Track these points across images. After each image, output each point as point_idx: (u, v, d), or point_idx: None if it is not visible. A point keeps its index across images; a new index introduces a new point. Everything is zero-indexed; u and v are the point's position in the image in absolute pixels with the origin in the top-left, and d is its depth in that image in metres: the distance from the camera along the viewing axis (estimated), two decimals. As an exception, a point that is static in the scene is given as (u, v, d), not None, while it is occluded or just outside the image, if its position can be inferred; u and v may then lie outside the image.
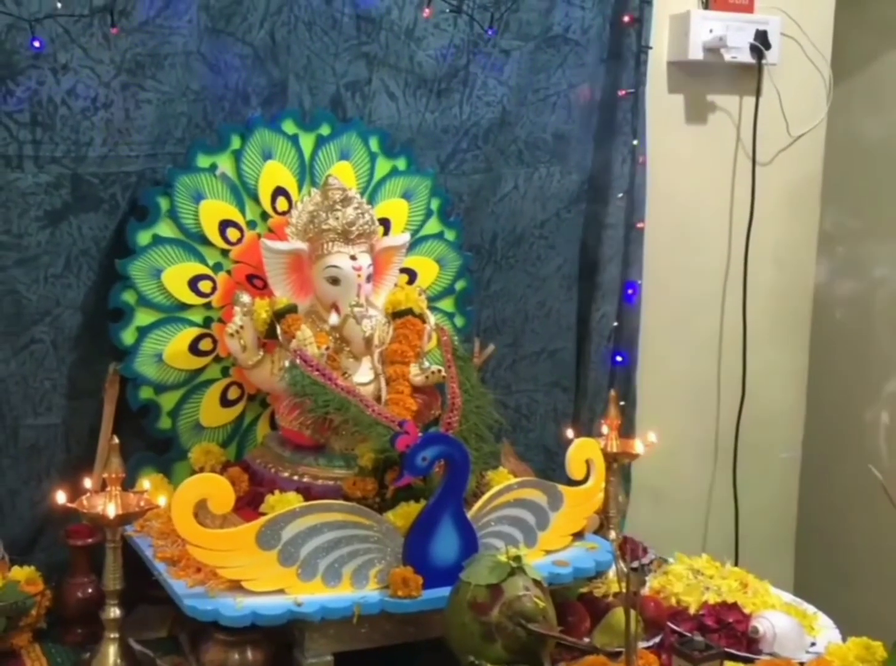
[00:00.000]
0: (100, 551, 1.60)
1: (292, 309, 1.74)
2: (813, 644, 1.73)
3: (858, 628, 1.67)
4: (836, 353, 2.61)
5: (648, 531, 2.09)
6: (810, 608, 1.82)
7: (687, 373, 2.46)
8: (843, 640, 1.69)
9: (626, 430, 2.14)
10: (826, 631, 1.75)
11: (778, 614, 1.71)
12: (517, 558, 1.49)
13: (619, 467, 1.94)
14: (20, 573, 1.68)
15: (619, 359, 2.29)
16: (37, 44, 1.69)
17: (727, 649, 1.66)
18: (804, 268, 2.63)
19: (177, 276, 1.80)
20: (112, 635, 1.55)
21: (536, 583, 1.49)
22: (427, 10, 1.96)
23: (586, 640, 1.72)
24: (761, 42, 2.36)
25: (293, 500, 1.58)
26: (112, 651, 1.55)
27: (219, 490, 1.51)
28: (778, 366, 2.60)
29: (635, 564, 1.91)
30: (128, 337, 1.79)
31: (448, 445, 1.57)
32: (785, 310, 2.60)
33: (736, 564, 1.93)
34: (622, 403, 2.06)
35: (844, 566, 2.58)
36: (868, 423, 2.56)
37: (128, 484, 1.61)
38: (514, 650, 1.44)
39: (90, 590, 1.69)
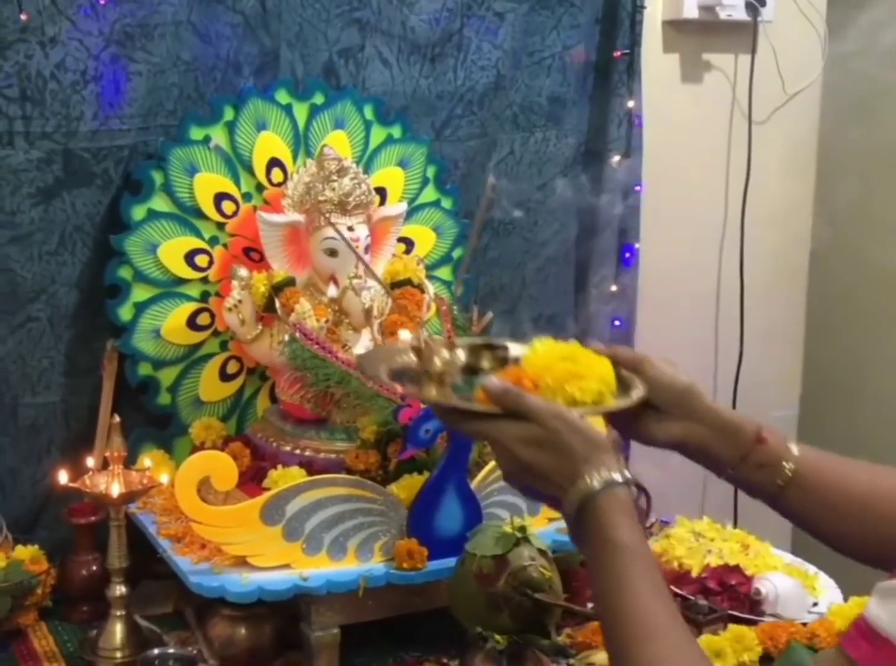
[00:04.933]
0: (103, 529, 1.61)
1: (290, 282, 1.72)
2: (815, 604, 1.74)
3: (858, 587, 1.69)
4: (833, 311, 2.62)
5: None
6: (811, 569, 1.83)
7: (685, 334, 2.46)
8: (845, 599, 1.70)
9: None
10: (828, 591, 1.76)
11: (780, 576, 1.72)
12: (522, 528, 1.49)
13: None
14: (24, 552, 1.67)
15: (616, 323, 2.28)
16: (24, 16, 1.66)
17: (731, 611, 1.67)
18: (801, 227, 2.62)
19: (173, 250, 1.78)
20: (118, 613, 1.55)
21: (542, 552, 1.49)
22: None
23: (590, 605, 1.73)
24: (757, -1, 2.34)
25: (296, 474, 1.58)
26: (119, 628, 1.55)
27: (222, 467, 1.51)
28: (775, 325, 2.60)
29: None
30: (125, 313, 1.77)
31: (450, 416, 1.56)
32: (782, 269, 2.60)
33: (735, 526, 1.93)
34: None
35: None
36: (865, 380, 2.56)
37: (129, 460, 1.61)
38: (520, 620, 1.45)
39: (94, 567, 1.69)
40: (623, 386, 1.07)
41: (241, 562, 1.51)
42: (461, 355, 1.07)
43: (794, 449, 1.09)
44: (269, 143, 1.83)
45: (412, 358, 1.06)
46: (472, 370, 1.08)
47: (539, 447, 0.95)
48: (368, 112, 1.92)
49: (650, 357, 1.10)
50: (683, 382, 1.10)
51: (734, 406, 2.51)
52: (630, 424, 1.10)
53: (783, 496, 1.09)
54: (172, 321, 1.80)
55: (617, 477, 0.93)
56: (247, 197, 1.83)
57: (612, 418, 1.09)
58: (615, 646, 0.90)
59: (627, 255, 2.28)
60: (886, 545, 1.07)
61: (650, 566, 0.92)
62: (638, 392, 1.06)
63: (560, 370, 1.02)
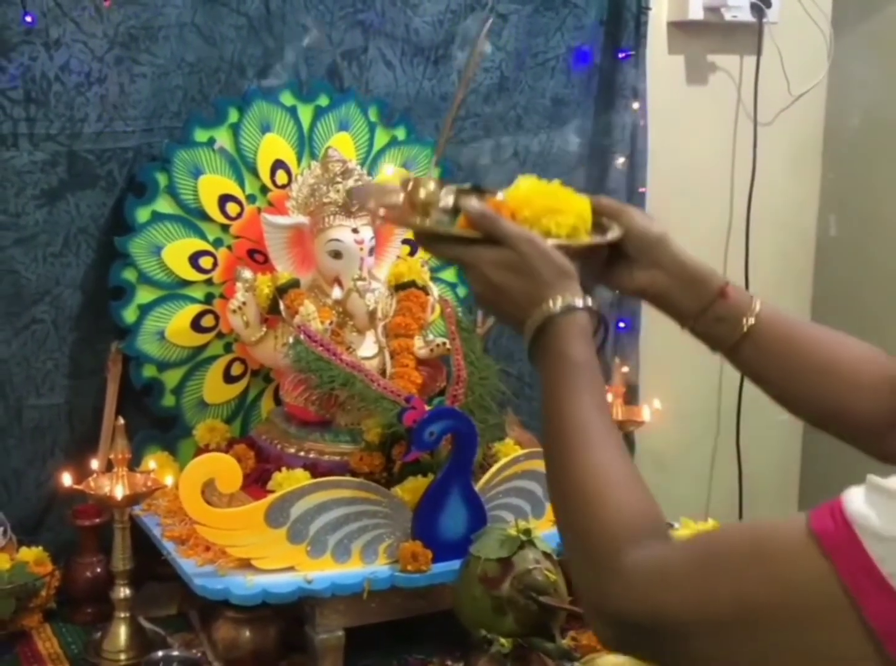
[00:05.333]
0: (107, 531, 1.61)
1: (294, 284, 1.72)
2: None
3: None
4: (839, 311, 2.61)
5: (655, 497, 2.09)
6: (817, 571, 1.82)
7: (690, 336, 2.45)
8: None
9: (631, 396, 2.13)
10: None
11: (785, 579, 1.71)
12: (527, 531, 1.49)
13: (624, 435, 1.94)
14: (28, 554, 1.67)
15: (622, 325, 2.28)
16: (28, 19, 1.66)
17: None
18: (806, 228, 2.62)
19: (177, 252, 1.78)
20: (122, 615, 1.56)
21: (546, 555, 1.49)
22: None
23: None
24: (762, 0, 2.33)
25: (300, 477, 1.57)
26: (123, 631, 1.55)
27: (227, 469, 1.51)
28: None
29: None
30: (129, 315, 1.77)
31: (455, 419, 1.56)
32: (787, 270, 2.59)
33: (741, 529, 1.93)
34: (625, 369, 2.05)
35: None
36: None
37: (133, 462, 1.61)
38: (525, 623, 1.45)
39: (99, 569, 1.69)
40: (601, 230, 1.10)
41: (246, 564, 1.50)
42: (449, 197, 1.09)
43: (758, 306, 1.11)
44: (274, 145, 1.83)
45: (400, 197, 1.10)
46: (458, 211, 1.09)
47: (509, 270, 0.99)
48: (372, 114, 1.92)
49: (629, 208, 1.14)
50: (656, 232, 1.12)
51: (739, 409, 2.51)
52: (602, 270, 1.13)
53: (737, 351, 1.12)
54: (177, 323, 1.80)
55: (578, 302, 0.97)
56: (251, 199, 1.83)
57: (586, 262, 1.10)
58: (552, 453, 0.94)
59: (632, 256, 2.26)
60: (832, 411, 1.12)
61: (596, 383, 0.96)
62: (613, 233, 1.10)
63: (538, 204, 1.06)
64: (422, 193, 1.07)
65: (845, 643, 0.75)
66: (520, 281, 0.99)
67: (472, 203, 1.03)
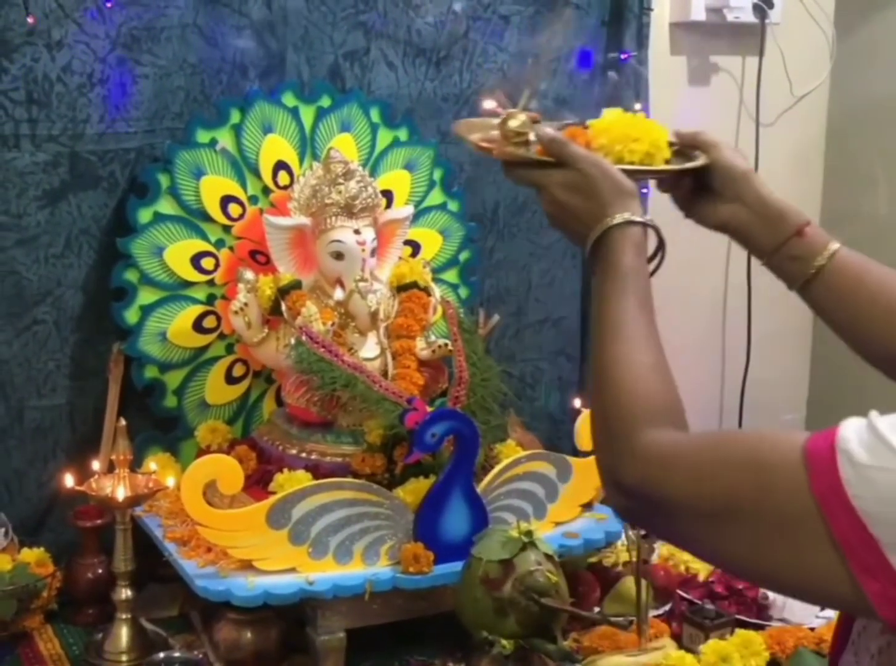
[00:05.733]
0: (109, 532, 1.61)
1: (296, 285, 1.72)
2: (823, 609, 1.73)
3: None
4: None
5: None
6: (819, 572, 1.82)
7: (692, 338, 2.45)
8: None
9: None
10: (835, 596, 1.75)
11: (787, 580, 1.71)
12: (528, 533, 1.49)
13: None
14: (30, 555, 1.68)
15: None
16: (30, 20, 1.66)
17: (737, 616, 1.67)
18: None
19: (179, 253, 1.78)
20: (124, 616, 1.56)
21: (548, 557, 1.49)
22: (424, -23, 1.94)
23: (596, 609, 1.72)
24: (764, 1, 2.32)
25: (302, 478, 1.58)
26: (124, 632, 1.56)
27: (228, 471, 1.51)
28: (783, 328, 2.59)
29: (644, 531, 1.92)
30: (131, 316, 1.77)
31: (457, 420, 1.56)
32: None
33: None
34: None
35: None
36: (872, 384, 2.55)
37: (134, 463, 1.61)
38: (526, 625, 1.45)
39: (100, 570, 1.69)
40: (685, 160, 1.15)
41: (247, 565, 1.51)
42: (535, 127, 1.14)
43: (833, 248, 1.13)
44: (276, 146, 1.83)
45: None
46: None
47: (575, 190, 1.06)
48: (375, 115, 1.92)
49: (721, 142, 1.17)
50: (741, 167, 1.15)
51: (741, 410, 2.50)
52: (688, 201, 1.18)
53: (808, 289, 1.14)
54: (178, 324, 1.80)
55: (636, 218, 1.03)
56: (253, 200, 1.83)
57: (673, 192, 1.19)
58: (594, 348, 1.01)
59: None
60: None
61: (640, 288, 1.01)
62: (687, 163, 1.14)
63: (614, 132, 1.12)
64: (512, 124, 1.13)
65: (813, 554, 0.80)
66: (584, 200, 1.05)
67: (545, 130, 1.09)
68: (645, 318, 1.00)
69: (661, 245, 1.09)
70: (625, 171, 1.07)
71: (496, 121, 1.15)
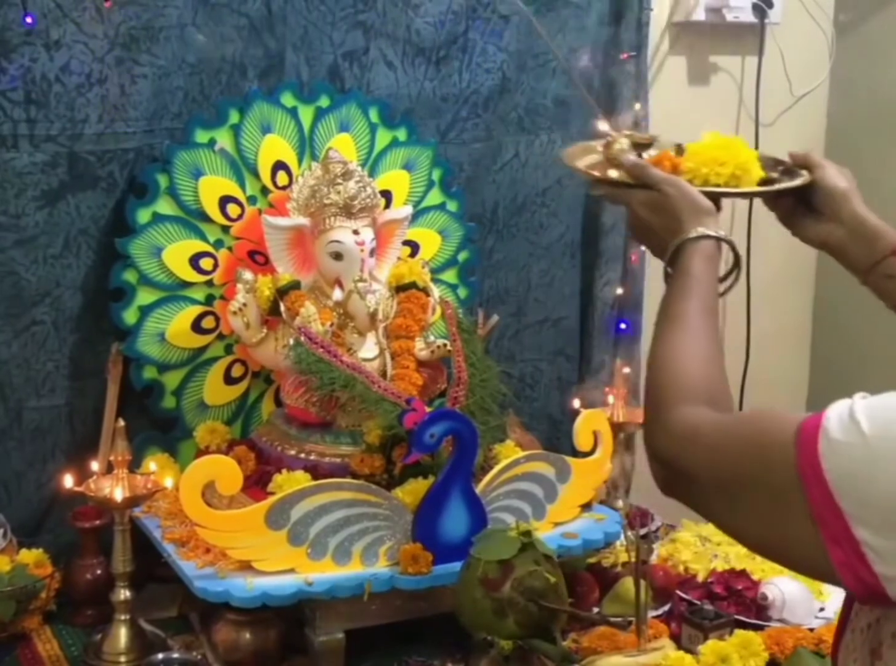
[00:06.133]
0: (107, 532, 1.60)
1: (295, 285, 1.72)
2: (822, 609, 1.73)
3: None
4: (841, 312, 2.60)
5: (654, 498, 2.08)
6: (818, 573, 1.82)
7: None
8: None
9: (632, 396, 2.13)
10: (835, 596, 1.75)
11: (786, 580, 1.71)
12: (527, 533, 1.49)
13: (625, 437, 1.94)
14: (28, 556, 1.67)
15: (622, 326, 2.27)
16: (29, 20, 1.65)
17: (736, 617, 1.67)
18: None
19: (178, 253, 1.78)
20: (122, 617, 1.56)
21: (547, 558, 1.48)
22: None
23: (595, 610, 1.72)
24: (763, 1, 2.32)
25: (301, 479, 1.57)
26: (123, 633, 1.55)
27: (227, 471, 1.51)
28: (782, 326, 2.59)
29: (644, 531, 1.92)
30: (130, 317, 1.77)
31: (456, 421, 1.56)
32: (789, 271, 2.59)
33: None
34: (627, 370, 2.05)
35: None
36: (872, 381, 2.55)
37: (133, 464, 1.60)
38: (525, 626, 1.44)
39: (99, 571, 1.68)
40: (789, 179, 1.23)
41: (246, 566, 1.50)
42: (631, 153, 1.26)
43: None
44: (275, 146, 1.83)
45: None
46: None
47: (655, 209, 1.15)
48: (374, 115, 1.92)
49: (827, 163, 1.23)
50: (841, 187, 1.21)
51: (741, 407, 2.50)
52: (790, 217, 1.25)
53: None
54: (177, 325, 1.80)
55: (709, 232, 1.11)
56: (252, 200, 1.83)
57: (774, 210, 1.26)
58: (654, 336, 1.07)
59: (633, 257, 2.26)
60: None
61: (705, 294, 1.08)
62: (790, 181, 1.21)
63: (704, 156, 1.21)
64: (614, 149, 1.24)
65: (797, 524, 0.85)
66: (662, 217, 1.14)
67: (629, 156, 1.20)
68: (705, 319, 1.06)
69: (736, 261, 1.16)
70: (708, 192, 1.16)
71: (601, 144, 1.27)
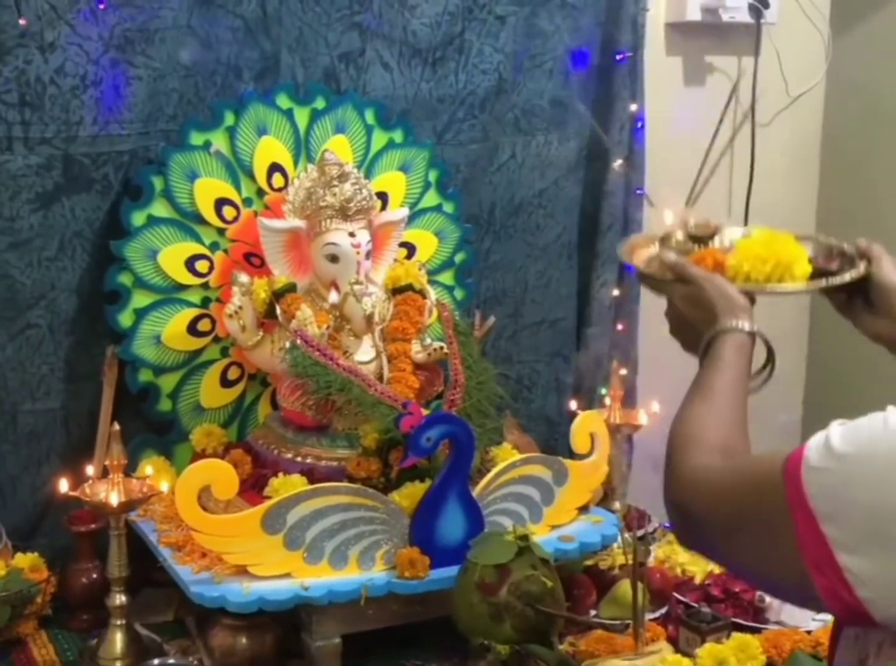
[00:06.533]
0: (103, 536, 1.60)
1: (291, 288, 1.71)
2: (819, 612, 1.73)
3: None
4: (837, 315, 2.60)
5: (651, 499, 2.08)
6: (816, 575, 1.82)
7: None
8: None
9: (629, 397, 2.13)
10: (832, 598, 1.75)
11: (784, 583, 1.71)
12: (524, 537, 1.48)
13: (622, 438, 1.94)
14: (24, 560, 1.67)
15: (619, 327, 2.27)
16: (23, 22, 1.65)
17: (734, 619, 1.66)
18: (805, 229, 2.58)
19: (173, 256, 1.77)
20: (118, 622, 1.55)
21: (544, 562, 1.48)
22: (419, -23, 1.93)
23: (593, 613, 1.72)
24: (760, 1, 2.32)
25: (297, 482, 1.57)
26: (119, 638, 1.55)
27: (223, 476, 1.50)
28: (779, 328, 2.58)
29: (641, 532, 1.92)
30: (125, 319, 1.76)
31: (453, 424, 1.55)
32: (785, 271, 2.58)
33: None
34: (623, 371, 2.05)
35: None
36: (869, 384, 2.55)
37: (129, 467, 1.60)
38: (522, 630, 1.44)
39: (94, 575, 1.68)
40: (847, 268, 1.24)
41: (242, 571, 1.50)
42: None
43: None
44: (270, 148, 1.83)
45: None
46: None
47: (693, 303, 1.19)
48: (370, 116, 1.91)
49: (884, 256, 1.24)
50: (895, 283, 1.22)
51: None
52: (845, 309, 1.27)
53: None
54: (173, 327, 1.79)
55: (744, 326, 1.14)
56: (247, 202, 1.82)
57: (831, 301, 1.29)
58: (680, 406, 1.11)
59: (630, 258, 2.25)
60: None
61: (734, 375, 1.11)
62: (849, 270, 1.23)
63: (747, 252, 1.24)
64: (672, 242, 1.32)
65: (787, 554, 0.88)
66: (699, 311, 1.18)
67: (669, 255, 1.26)
68: (732, 393, 1.09)
69: (770, 356, 1.20)
70: (747, 290, 1.20)
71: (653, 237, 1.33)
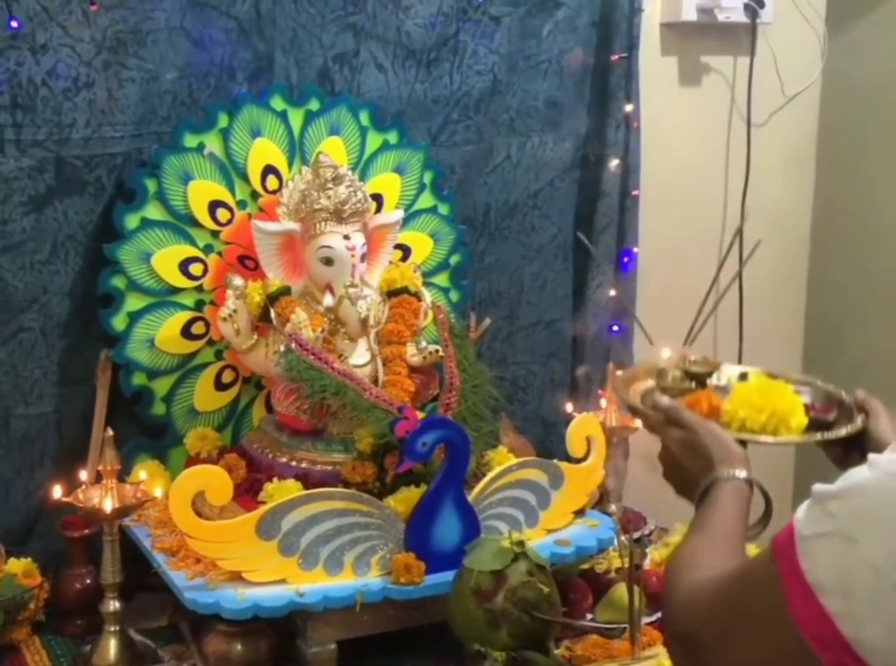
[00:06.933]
0: (97, 541, 1.58)
1: (286, 291, 1.70)
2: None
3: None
4: (833, 313, 2.60)
5: (647, 501, 2.08)
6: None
7: (684, 337, 2.44)
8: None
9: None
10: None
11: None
12: (520, 543, 1.48)
13: (618, 441, 1.93)
14: (17, 566, 1.65)
15: (615, 328, 2.26)
16: (14, 23, 1.63)
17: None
18: (800, 229, 2.61)
19: (167, 259, 1.76)
20: (112, 628, 1.54)
21: (540, 568, 1.48)
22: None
23: (589, 616, 1.72)
24: (755, 1, 2.31)
25: (292, 488, 1.56)
26: (113, 644, 1.54)
27: (217, 482, 1.49)
28: (775, 328, 2.59)
29: (637, 534, 1.92)
30: (119, 323, 1.75)
31: (448, 429, 1.54)
32: (781, 272, 2.58)
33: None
34: (619, 373, 2.04)
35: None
36: (864, 382, 2.54)
37: (123, 471, 1.58)
38: (519, 637, 1.44)
39: (88, 581, 1.66)
40: (844, 421, 1.25)
41: (237, 577, 1.49)
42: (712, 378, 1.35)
43: None
44: (264, 150, 1.81)
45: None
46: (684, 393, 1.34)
47: (689, 449, 1.19)
48: (364, 118, 1.90)
49: (880, 410, 1.24)
50: (889, 441, 1.18)
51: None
52: (839, 461, 1.26)
53: None
54: (167, 330, 1.78)
55: (741, 475, 1.13)
56: (241, 204, 1.81)
57: (826, 448, 1.27)
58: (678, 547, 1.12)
59: (626, 259, 2.25)
60: None
61: (733, 517, 1.09)
62: (846, 423, 1.23)
63: (743, 399, 1.24)
64: (668, 380, 1.33)
65: (787, 639, 0.84)
66: (695, 457, 1.18)
67: (662, 398, 1.26)
68: (730, 535, 1.07)
69: (768, 506, 1.18)
70: (741, 438, 1.20)
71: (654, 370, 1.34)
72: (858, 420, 1.22)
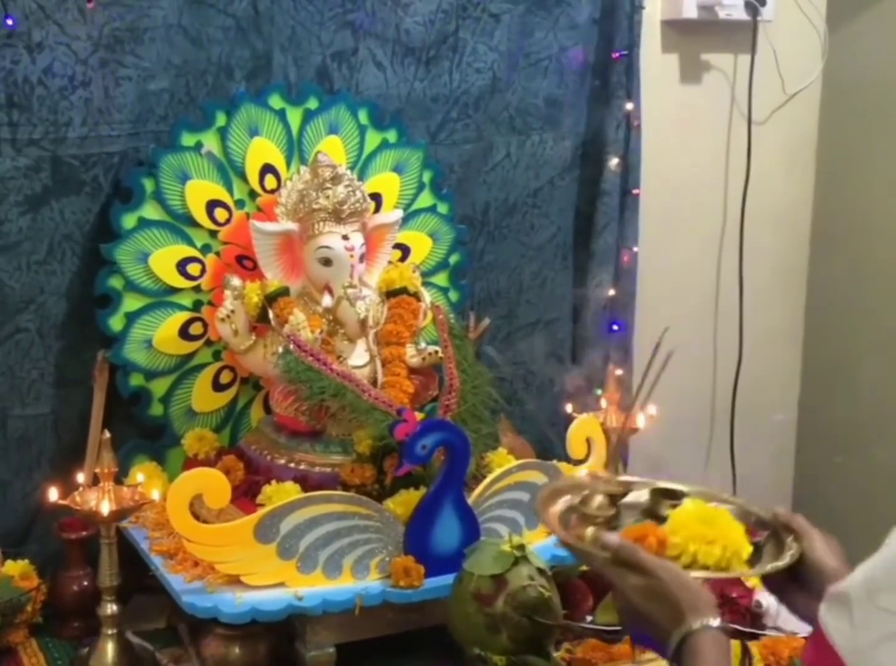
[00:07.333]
0: (94, 543, 1.58)
1: (284, 292, 1.69)
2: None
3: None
4: (833, 312, 2.59)
5: (647, 501, 2.07)
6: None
7: (684, 338, 2.43)
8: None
9: (625, 398, 2.11)
10: (829, 603, 1.74)
11: (781, 588, 1.70)
12: (521, 547, 1.47)
13: (618, 442, 1.92)
14: (14, 568, 1.65)
15: (615, 327, 2.25)
16: (10, 21, 1.62)
17: (730, 625, 1.65)
18: (801, 227, 2.60)
19: (164, 259, 1.75)
20: (109, 631, 1.53)
21: (540, 571, 1.47)
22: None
23: (589, 618, 1.70)
24: (756, -2, 2.30)
25: (290, 490, 1.55)
26: (110, 647, 1.53)
27: (215, 484, 1.48)
28: (774, 327, 2.58)
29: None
30: (116, 323, 1.74)
31: (448, 431, 1.53)
32: (781, 270, 2.57)
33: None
34: (619, 371, 2.03)
35: (843, 529, 2.57)
36: (864, 382, 2.54)
37: (121, 472, 1.58)
38: (519, 641, 1.42)
39: (85, 583, 1.66)
40: (779, 549, 1.17)
41: (235, 580, 1.48)
42: (609, 511, 1.23)
43: None
44: (263, 149, 1.80)
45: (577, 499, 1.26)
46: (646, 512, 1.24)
47: (652, 598, 1.07)
48: (363, 116, 1.89)
49: (814, 533, 1.16)
50: (830, 566, 1.13)
51: (733, 410, 2.49)
52: (778, 589, 1.18)
53: None
54: (164, 331, 1.77)
55: (714, 623, 1.04)
56: (240, 204, 1.80)
57: (765, 580, 1.20)
58: None
59: (626, 258, 2.24)
60: None
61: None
62: (776, 548, 1.17)
63: (691, 531, 1.15)
64: (592, 508, 1.22)
65: None
66: (661, 606, 1.06)
67: (611, 537, 1.13)
68: None
69: (745, 651, 1.17)
70: (702, 575, 1.12)
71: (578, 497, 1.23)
72: (794, 546, 1.15)
